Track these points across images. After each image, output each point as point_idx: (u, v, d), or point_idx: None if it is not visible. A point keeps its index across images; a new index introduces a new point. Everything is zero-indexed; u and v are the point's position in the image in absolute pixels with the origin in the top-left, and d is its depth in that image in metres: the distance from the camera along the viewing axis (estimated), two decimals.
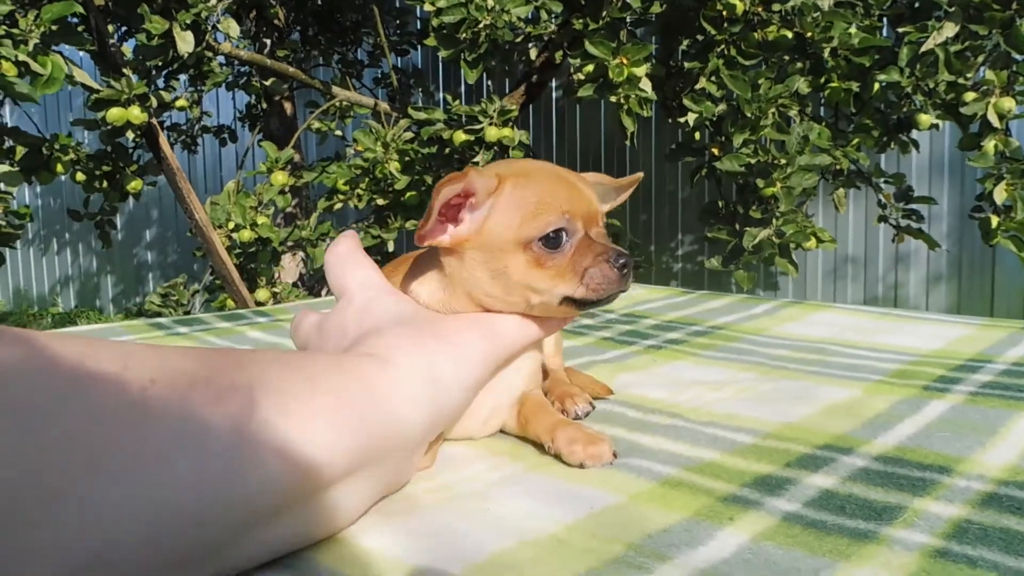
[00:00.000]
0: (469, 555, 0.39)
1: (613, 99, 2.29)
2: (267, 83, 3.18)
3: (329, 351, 0.52)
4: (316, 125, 3.14)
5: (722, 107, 2.29)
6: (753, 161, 2.21)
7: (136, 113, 2.29)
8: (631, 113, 2.28)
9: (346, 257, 0.57)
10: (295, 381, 0.40)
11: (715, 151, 2.42)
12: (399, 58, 4.14)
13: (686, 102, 2.29)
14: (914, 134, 2.47)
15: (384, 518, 0.44)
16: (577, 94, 2.31)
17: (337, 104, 3.11)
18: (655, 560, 0.38)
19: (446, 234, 0.52)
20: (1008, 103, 2.01)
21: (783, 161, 2.18)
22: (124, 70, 2.47)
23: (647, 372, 0.78)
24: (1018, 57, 2.12)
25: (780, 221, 2.27)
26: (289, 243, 2.96)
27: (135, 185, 2.53)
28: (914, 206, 2.45)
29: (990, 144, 2.05)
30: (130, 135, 2.37)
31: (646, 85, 2.28)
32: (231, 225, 2.69)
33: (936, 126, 2.37)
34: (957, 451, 0.54)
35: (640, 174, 0.63)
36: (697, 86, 2.34)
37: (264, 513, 0.36)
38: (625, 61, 2.26)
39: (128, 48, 2.92)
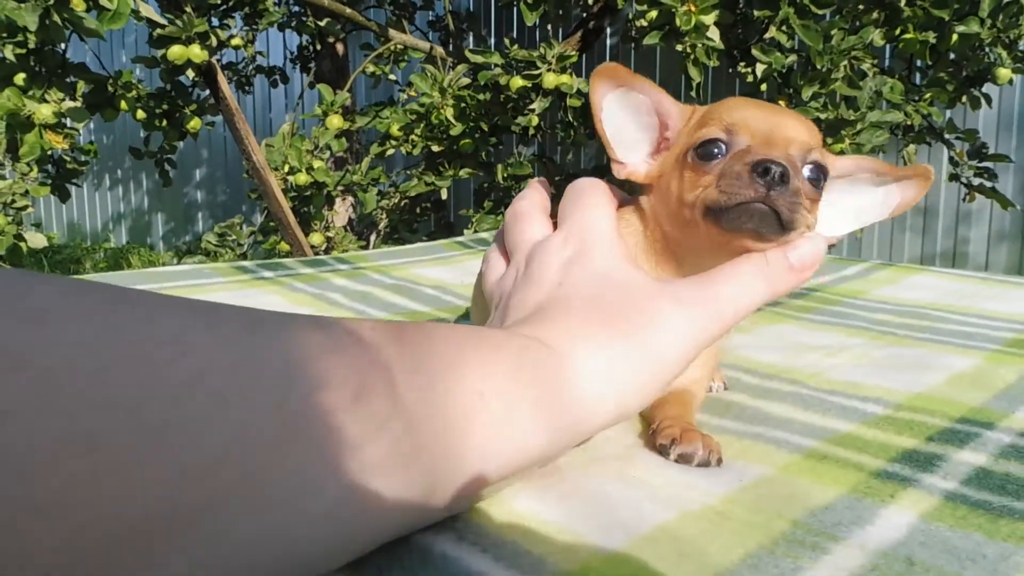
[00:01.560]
0: (631, 525, 0.38)
1: (680, 48, 2.23)
2: (321, 24, 3.15)
3: (509, 318, 0.46)
4: (371, 68, 3.10)
5: (792, 58, 2.21)
6: (823, 116, 2.14)
7: (197, 51, 2.28)
8: (698, 63, 2.21)
9: (589, 192, 0.50)
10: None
11: (782, 103, 2.35)
12: (451, 1, 4.06)
13: (755, 52, 2.21)
14: (986, 89, 2.37)
15: (527, 482, 0.43)
16: (642, 41, 2.24)
17: (392, 47, 3.06)
18: (826, 540, 0.37)
19: (643, 166, 0.51)
20: None
21: (853, 117, 2.11)
22: (184, 7, 2.45)
23: (753, 335, 0.76)
24: None
25: None
26: (340, 187, 2.95)
27: (194, 124, 2.54)
28: (987, 164, 2.36)
29: None
30: (190, 74, 2.37)
31: (714, 34, 2.21)
32: (286, 168, 2.69)
33: (1010, 80, 2.27)
34: None
35: (929, 168, 0.50)
36: (767, 35, 2.26)
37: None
38: (693, 8, 2.18)
39: None
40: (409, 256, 1.10)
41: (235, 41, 3.09)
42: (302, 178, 2.59)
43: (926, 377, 0.63)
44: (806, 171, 0.45)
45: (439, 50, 3.01)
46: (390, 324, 0.37)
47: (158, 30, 2.16)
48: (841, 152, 2.16)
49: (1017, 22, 2.06)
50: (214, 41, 2.33)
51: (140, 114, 2.48)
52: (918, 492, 0.42)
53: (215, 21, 3.05)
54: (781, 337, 0.75)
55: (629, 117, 0.52)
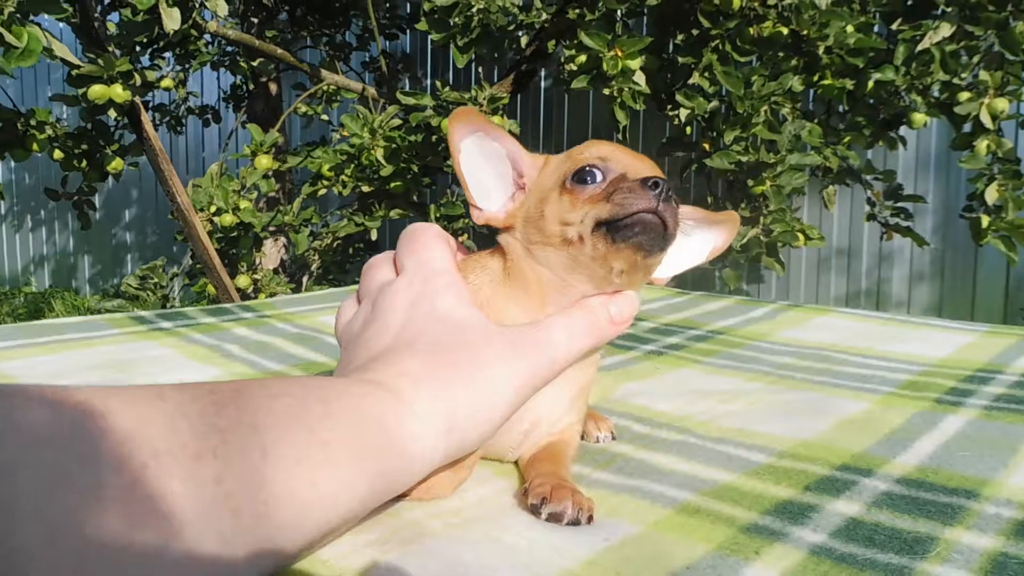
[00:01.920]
0: None
1: (607, 91, 2.27)
2: (254, 64, 3.12)
3: (357, 358, 0.47)
4: (303, 108, 3.09)
5: (714, 103, 2.26)
6: (744, 159, 2.19)
7: (119, 91, 2.23)
8: (624, 106, 2.25)
9: (421, 233, 0.52)
10: (307, 445, 0.37)
11: (706, 147, 2.40)
12: (388, 42, 4.08)
13: (679, 98, 2.26)
14: (902, 131, 2.46)
15: (386, 550, 0.41)
16: (570, 85, 2.27)
17: (325, 88, 3.05)
18: None
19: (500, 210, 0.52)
20: (1002, 104, 2.00)
21: (773, 160, 2.17)
22: (108, 45, 2.40)
23: (652, 380, 0.76)
24: (1012, 58, 2.11)
25: (769, 219, 2.26)
26: (271, 228, 2.91)
27: (116, 165, 2.47)
28: (903, 204, 2.44)
29: (982, 144, 2.04)
30: (112, 113, 2.31)
31: (640, 78, 2.25)
32: (213, 209, 2.63)
33: (925, 124, 2.36)
34: (980, 472, 0.52)
35: (735, 214, 0.56)
36: (690, 81, 2.31)
37: None
38: (620, 53, 2.23)
39: (112, 23, 2.84)
40: (316, 303, 1.08)
41: (165, 83, 3.05)
42: (228, 219, 2.54)
43: (816, 423, 0.63)
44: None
45: (371, 91, 3.01)
46: (232, 385, 0.38)
47: (75, 69, 2.11)
48: (762, 194, 2.22)
49: (929, 70, 2.15)
50: (138, 80, 2.28)
51: (57, 154, 2.41)
52: (784, 547, 0.41)
53: (146, 61, 3.01)
54: (679, 383, 0.75)
55: (486, 164, 0.53)
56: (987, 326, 0.99)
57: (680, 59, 2.34)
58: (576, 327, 0.48)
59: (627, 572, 0.38)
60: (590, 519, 0.44)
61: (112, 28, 2.81)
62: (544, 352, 0.46)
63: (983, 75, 2.04)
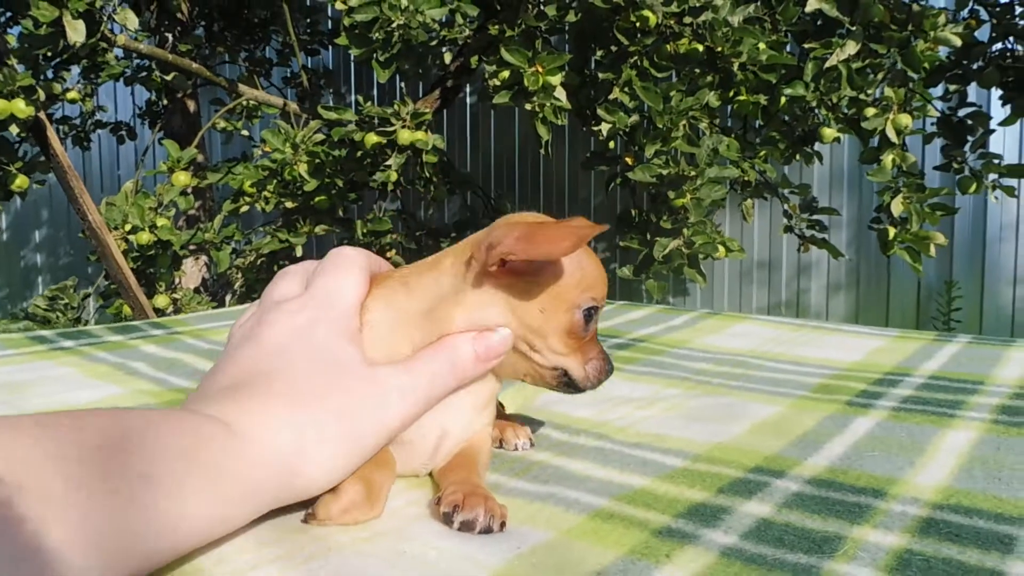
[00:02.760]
0: None
1: (528, 107, 2.28)
2: (168, 78, 3.04)
3: (222, 377, 0.47)
4: (221, 124, 3.01)
5: (635, 118, 2.30)
6: (665, 172, 2.23)
7: (21, 107, 2.14)
8: (546, 121, 2.27)
9: (344, 260, 0.51)
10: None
11: (629, 160, 2.44)
12: (309, 58, 4.03)
13: (600, 112, 2.29)
14: (817, 147, 2.55)
15: (291, 566, 0.39)
16: (492, 100, 2.28)
17: (244, 103, 2.99)
18: None
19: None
20: (905, 119, 2.09)
21: (693, 173, 2.21)
22: (7, 59, 2.30)
23: None
24: (914, 76, 2.21)
25: (690, 231, 2.30)
26: (191, 246, 2.82)
27: (20, 183, 2.36)
28: (818, 216, 2.53)
29: (888, 158, 2.12)
30: (14, 129, 2.21)
31: (561, 94, 2.28)
32: (128, 227, 2.54)
33: (838, 139, 2.45)
34: (888, 472, 0.53)
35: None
36: (611, 96, 2.35)
37: None
38: (540, 69, 2.25)
39: (12, 36, 2.72)
40: (231, 319, 1.04)
41: (71, 95, 2.94)
42: (144, 237, 2.45)
43: (730, 427, 0.63)
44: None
45: (293, 106, 2.96)
46: (60, 416, 0.37)
47: None
48: (683, 206, 2.26)
49: (837, 86, 2.23)
50: (41, 95, 2.19)
51: None
52: (695, 549, 0.41)
53: (49, 74, 2.89)
54: (599, 391, 0.74)
55: None
56: (898, 331, 1.03)
57: (600, 75, 2.37)
58: (444, 367, 0.48)
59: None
60: (502, 526, 0.43)
61: (12, 41, 2.69)
62: (414, 391, 0.47)
63: (888, 92, 2.13)
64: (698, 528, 0.44)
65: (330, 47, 3.94)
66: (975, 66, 2.19)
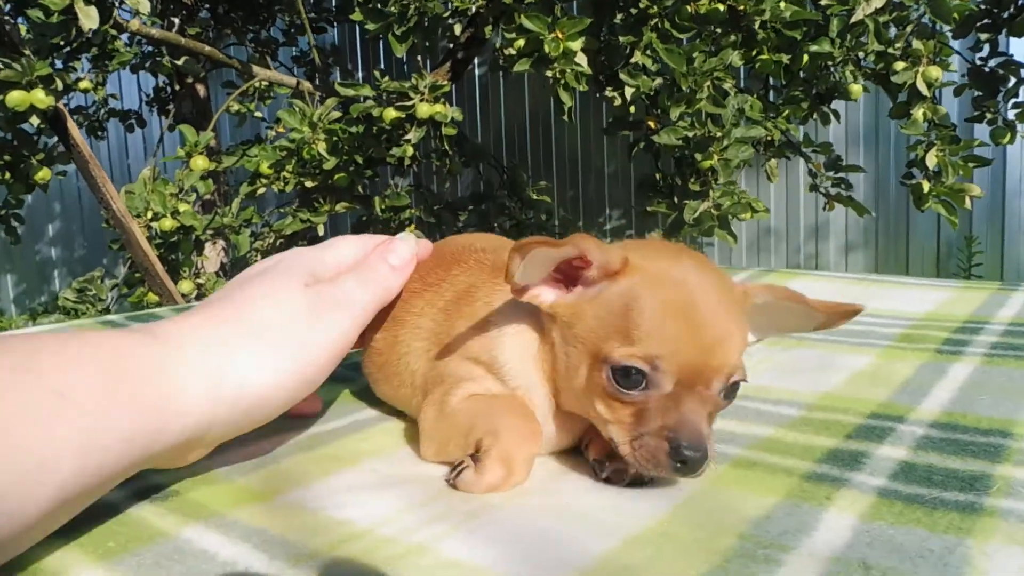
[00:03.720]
0: (574, 560, 0.35)
1: (549, 74, 2.26)
2: (179, 63, 3.01)
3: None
4: (235, 107, 2.99)
5: (659, 81, 2.28)
6: (690, 134, 2.21)
7: (40, 96, 2.12)
8: (568, 88, 2.25)
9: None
10: (37, 396, 0.35)
11: (652, 124, 2.42)
12: (316, 36, 3.99)
13: (623, 76, 2.27)
14: (834, 105, 2.52)
15: (453, 524, 0.39)
16: (511, 69, 2.26)
17: (257, 84, 2.97)
18: (776, 551, 0.35)
19: (550, 293, 0.46)
20: (935, 72, 2.07)
21: (719, 134, 2.19)
22: (22, 49, 2.28)
23: None
24: (940, 28, 2.18)
25: (718, 193, 2.29)
26: (210, 231, 2.82)
27: (43, 175, 2.35)
28: (843, 174, 2.51)
29: (919, 112, 2.10)
30: (34, 120, 2.20)
31: (582, 59, 2.25)
32: (150, 214, 2.54)
33: (866, 90, 2.42)
34: (1005, 414, 0.53)
35: (854, 308, 0.48)
36: (632, 60, 2.32)
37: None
38: (561, 35, 2.22)
39: (23, 26, 2.70)
40: None
41: (83, 84, 2.92)
42: (168, 223, 2.45)
43: (829, 377, 0.63)
44: (725, 391, 0.44)
45: (306, 85, 2.94)
46: None
47: None
48: (711, 168, 2.25)
49: (864, 41, 2.20)
50: (60, 85, 2.17)
51: None
52: (852, 492, 0.41)
53: (59, 64, 2.87)
54: None
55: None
56: (959, 282, 1.02)
57: (620, 38, 2.34)
58: (366, 282, 0.51)
59: (708, 525, 0.38)
60: (652, 479, 0.43)
61: (24, 31, 2.67)
62: (345, 309, 0.49)
63: (916, 44, 2.10)
64: (844, 472, 0.44)
65: (335, 24, 3.90)
66: (1006, 14, 2.16)
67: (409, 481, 0.45)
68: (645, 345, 0.41)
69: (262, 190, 2.83)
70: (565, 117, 2.28)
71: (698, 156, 2.20)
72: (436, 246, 0.59)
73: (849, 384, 0.62)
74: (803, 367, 0.67)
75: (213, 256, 3.33)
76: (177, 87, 3.38)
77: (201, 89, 3.45)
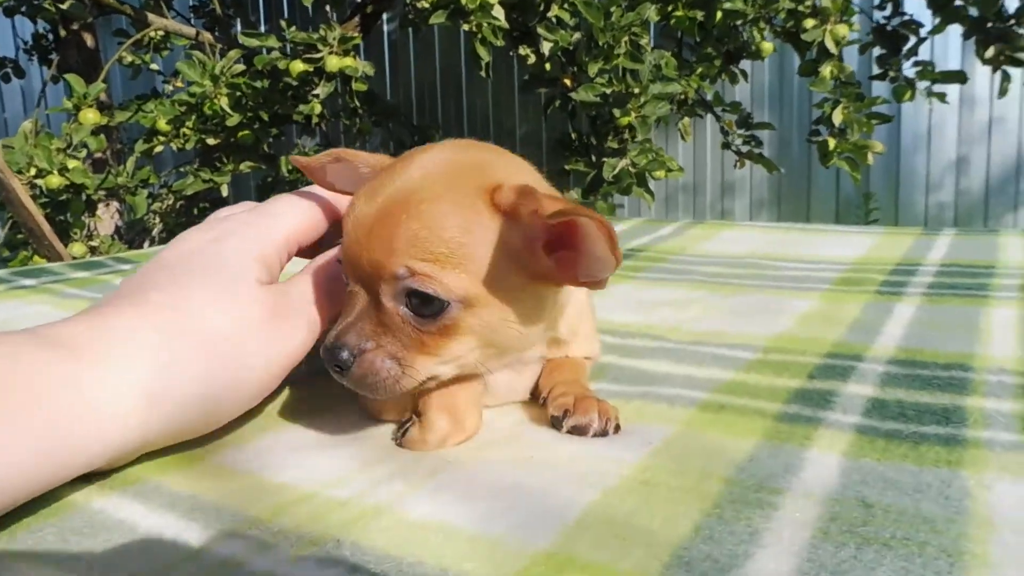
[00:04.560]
0: (559, 512, 0.32)
1: (466, 27, 2.19)
2: (63, 6, 2.79)
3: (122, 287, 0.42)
4: (128, 58, 2.80)
5: (576, 36, 2.24)
6: (608, 91, 2.19)
7: None
8: (485, 42, 2.19)
9: (301, 194, 0.47)
10: None
11: (568, 82, 2.39)
12: None
13: (540, 30, 2.23)
14: (742, 65, 2.55)
15: (413, 483, 0.35)
16: (428, 21, 2.18)
17: (152, 34, 2.78)
18: (769, 494, 0.33)
19: None
20: (843, 29, 2.10)
21: (637, 90, 2.18)
22: None
23: (595, 297, 0.72)
24: None
25: (635, 151, 2.28)
26: (102, 191, 2.64)
27: None
28: (754, 132, 2.55)
29: (827, 70, 2.14)
30: None
31: (499, 13, 2.19)
32: (33, 171, 2.35)
33: (774, 50, 2.45)
34: (961, 348, 0.52)
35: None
36: (549, 14, 2.28)
37: None
38: None
39: None
40: None
41: None
42: (55, 180, 2.27)
43: (779, 320, 0.62)
44: (406, 303, 0.37)
45: (207, 36, 2.77)
46: None
47: None
48: (628, 125, 2.24)
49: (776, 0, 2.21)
50: None
51: None
52: (829, 431, 0.40)
53: None
54: (625, 297, 0.72)
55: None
56: (882, 228, 1.04)
57: None
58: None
59: (691, 471, 0.35)
60: (617, 429, 0.41)
61: None
62: (302, 317, 0.42)
63: (825, 2, 2.13)
64: (816, 411, 0.42)
65: None
66: None
67: (355, 440, 0.41)
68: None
69: (159, 148, 2.67)
70: (482, 72, 2.22)
71: (616, 113, 2.18)
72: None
73: (800, 325, 0.60)
74: (750, 311, 0.65)
75: (107, 218, 3.13)
76: (62, 33, 3.13)
77: (89, 38, 3.21)
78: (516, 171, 0.41)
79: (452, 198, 0.37)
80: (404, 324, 0.37)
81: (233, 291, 0.40)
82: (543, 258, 0.38)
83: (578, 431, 0.40)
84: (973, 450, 0.36)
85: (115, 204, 3.15)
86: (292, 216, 0.45)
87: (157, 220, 3.00)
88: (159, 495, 0.35)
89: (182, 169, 2.82)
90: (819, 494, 0.32)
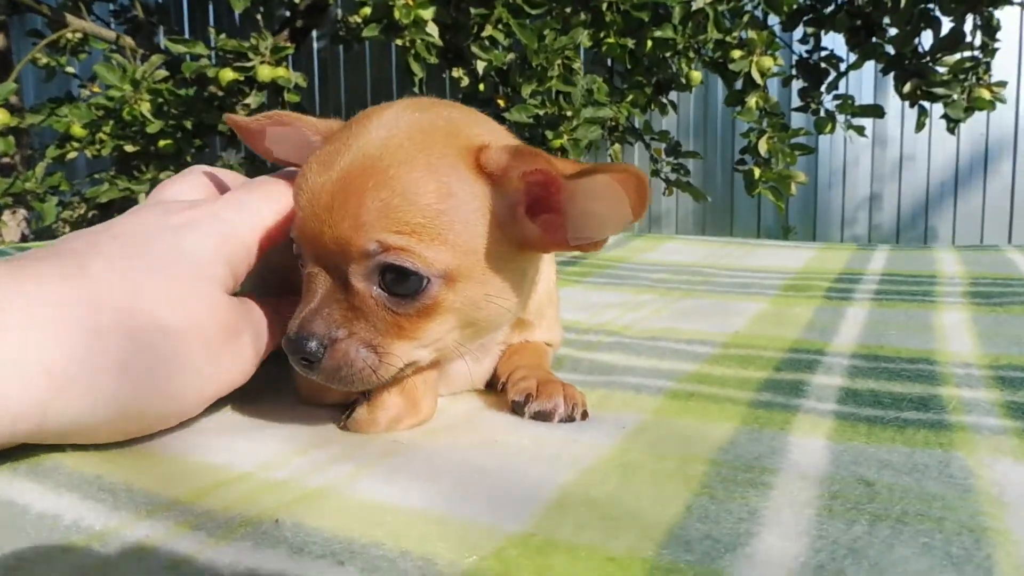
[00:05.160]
0: (533, 493, 0.28)
1: (399, 42, 2.16)
2: None
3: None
4: (43, 60, 2.66)
5: (511, 56, 2.24)
6: (541, 112, 2.19)
7: None
8: (419, 58, 2.16)
9: (275, 188, 0.40)
10: None
11: (501, 103, 2.38)
12: None
13: (475, 49, 2.22)
14: (671, 96, 2.60)
15: (361, 465, 0.31)
16: (361, 35, 2.15)
17: (69, 36, 2.66)
18: (761, 474, 0.30)
19: None
20: (768, 61, 2.16)
21: (570, 112, 2.19)
22: None
23: None
24: (774, 19, 2.29)
25: None
26: (8, 196, 2.49)
27: None
28: (682, 160, 2.58)
29: (753, 100, 2.19)
30: None
31: (433, 29, 2.18)
32: None
33: (701, 82, 2.50)
34: (922, 345, 0.51)
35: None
36: (484, 34, 2.27)
37: None
38: (411, 2, 2.14)
39: None
40: None
41: None
42: None
43: (732, 320, 0.60)
44: (379, 281, 0.33)
45: (128, 40, 2.66)
46: None
47: None
48: (561, 147, 2.24)
49: (705, 29, 2.26)
50: None
51: None
52: (808, 416, 0.37)
53: None
54: (573, 299, 0.70)
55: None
56: (819, 244, 1.04)
57: (472, 10, 2.29)
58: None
59: (671, 454, 0.32)
60: (584, 415, 0.37)
61: None
62: (249, 334, 0.37)
63: (751, 34, 2.18)
64: (790, 399, 0.40)
65: None
66: (828, 11, 2.30)
67: (290, 423, 0.37)
68: (297, 208, 0.35)
69: (73, 154, 2.54)
70: (415, 89, 2.19)
71: (549, 135, 2.18)
72: None
73: (755, 325, 0.59)
74: (703, 312, 0.64)
75: (13, 225, 2.96)
76: None
77: (0, 38, 3.05)
78: (490, 130, 0.37)
79: (426, 161, 0.32)
80: (377, 307, 0.33)
81: (191, 293, 0.34)
82: (528, 224, 0.34)
83: (542, 416, 0.37)
84: (961, 433, 0.34)
85: (22, 211, 2.99)
86: (268, 211, 0.38)
87: (67, 229, 2.84)
88: (57, 475, 0.30)
89: (97, 176, 2.69)
90: (813, 474, 0.30)
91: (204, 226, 0.36)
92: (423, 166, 0.32)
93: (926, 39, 2.11)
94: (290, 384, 0.40)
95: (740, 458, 0.32)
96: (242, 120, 0.40)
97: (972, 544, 0.24)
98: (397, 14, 2.14)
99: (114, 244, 0.34)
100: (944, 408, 0.38)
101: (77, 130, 2.43)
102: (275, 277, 0.40)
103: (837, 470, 0.30)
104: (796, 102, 2.45)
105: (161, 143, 2.42)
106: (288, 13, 2.99)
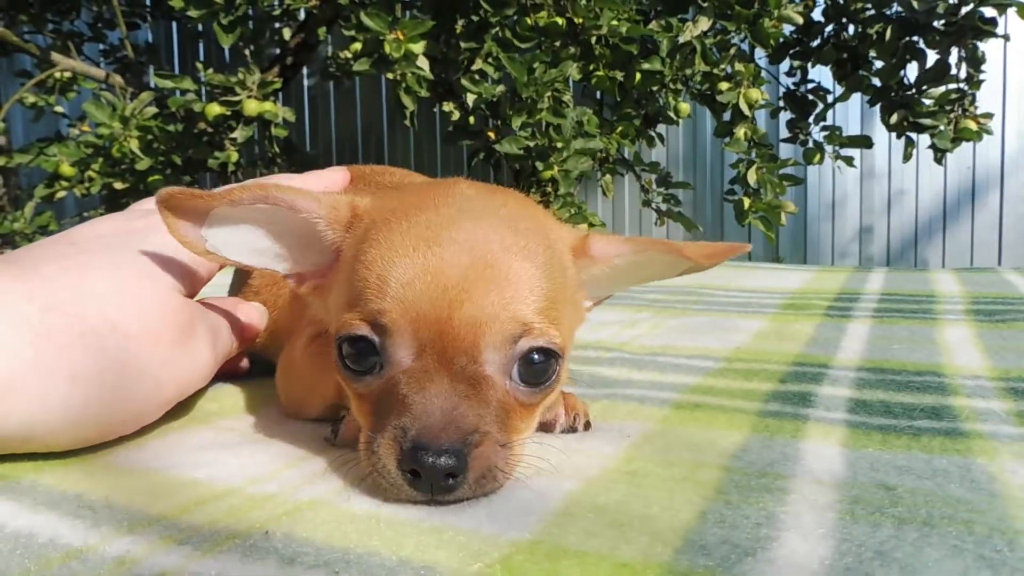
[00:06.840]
0: (538, 504, 0.27)
1: (390, 76, 2.18)
2: None
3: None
4: (31, 99, 2.67)
5: (500, 88, 2.26)
6: (532, 144, 2.20)
7: None
8: (410, 91, 2.17)
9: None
10: None
11: (491, 135, 2.39)
12: (128, 34, 3.67)
13: (464, 82, 2.23)
14: (659, 128, 2.61)
15: (353, 478, 0.30)
16: (353, 69, 2.16)
17: (58, 75, 2.66)
18: (776, 479, 0.29)
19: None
20: (756, 93, 2.18)
21: (560, 144, 2.20)
22: None
23: None
24: (761, 52, 2.31)
25: (558, 205, 2.29)
26: None
27: None
28: (673, 191, 2.59)
29: (741, 131, 2.20)
30: None
31: (424, 63, 2.19)
32: None
33: (689, 115, 2.52)
34: (925, 359, 0.50)
35: (746, 246, 0.40)
36: (474, 67, 2.29)
37: None
38: (402, 36, 2.15)
39: None
40: None
41: None
42: None
43: (733, 336, 0.59)
44: (517, 369, 0.30)
45: (117, 78, 2.67)
46: None
47: None
48: (551, 179, 2.24)
49: (692, 62, 2.28)
50: None
51: None
52: (819, 425, 0.36)
53: None
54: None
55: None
56: (816, 267, 1.04)
57: (462, 44, 2.31)
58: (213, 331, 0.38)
59: (680, 461, 0.31)
60: (587, 426, 0.36)
61: None
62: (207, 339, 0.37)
63: (738, 67, 2.21)
64: (798, 409, 0.39)
65: (149, 18, 3.61)
66: (814, 44, 2.33)
67: (277, 438, 0.35)
68: (366, 302, 0.30)
69: (62, 193, 2.53)
70: (407, 122, 2.20)
71: (539, 166, 2.19)
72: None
73: (756, 341, 0.58)
74: (702, 330, 0.62)
75: None
76: None
77: None
78: (546, 214, 0.37)
79: (544, 247, 0.31)
80: (506, 397, 0.29)
81: (142, 294, 0.33)
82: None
83: (542, 428, 0.35)
84: (979, 441, 0.33)
85: (9, 251, 2.96)
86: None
87: None
88: (34, 493, 0.28)
89: (86, 215, 2.68)
90: (829, 480, 0.28)
91: (164, 230, 0.35)
92: (546, 252, 0.31)
93: (912, 71, 2.14)
94: (275, 400, 0.39)
95: (753, 464, 0.30)
96: (183, 193, 0.33)
97: (1006, 546, 0.23)
98: (388, 48, 2.15)
99: (70, 249, 0.34)
100: (957, 417, 0.37)
101: (66, 169, 2.42)
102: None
103: (855, 475, 0.29)
104: (784, 133, 2.46)
105: (150, 179, 2.41)
106: (278, 51, 3.01)
